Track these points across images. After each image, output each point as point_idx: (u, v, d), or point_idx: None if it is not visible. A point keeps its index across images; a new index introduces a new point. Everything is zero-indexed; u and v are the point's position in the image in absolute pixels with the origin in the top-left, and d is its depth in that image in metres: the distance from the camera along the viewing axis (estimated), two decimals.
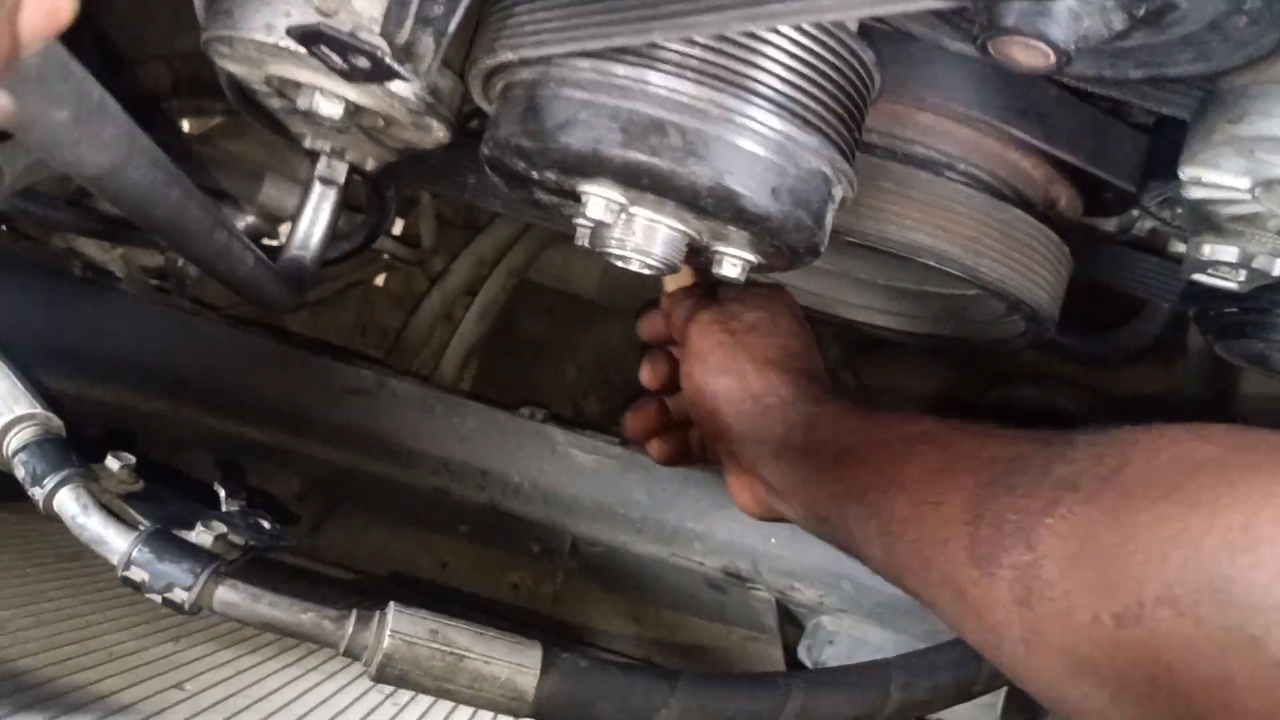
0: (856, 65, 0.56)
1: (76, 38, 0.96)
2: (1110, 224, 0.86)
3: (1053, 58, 0.47)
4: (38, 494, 0.62)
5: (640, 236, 0.58)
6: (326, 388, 0.96)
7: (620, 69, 0.53)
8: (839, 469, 0.64)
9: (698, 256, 0.62)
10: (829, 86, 0.55)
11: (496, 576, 1.06)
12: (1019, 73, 0.52)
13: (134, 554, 0.60)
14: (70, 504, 0.61)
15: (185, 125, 1.11)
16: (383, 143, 0.71)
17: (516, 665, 0.62)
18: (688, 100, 0.53)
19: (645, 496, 0.97)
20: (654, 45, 0.52)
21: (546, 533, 1.00)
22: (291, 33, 0.55)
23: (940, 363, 1.17)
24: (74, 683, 0.61)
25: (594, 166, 0.54)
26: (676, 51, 0.53)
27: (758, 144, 0.53)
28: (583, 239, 0.63)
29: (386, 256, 1.22)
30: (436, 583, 1.03)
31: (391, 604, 0.63)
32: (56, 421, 0.65)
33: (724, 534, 0.96)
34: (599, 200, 0.55)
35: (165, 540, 0.61)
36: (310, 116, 0.64)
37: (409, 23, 0.54)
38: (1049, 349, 1.02)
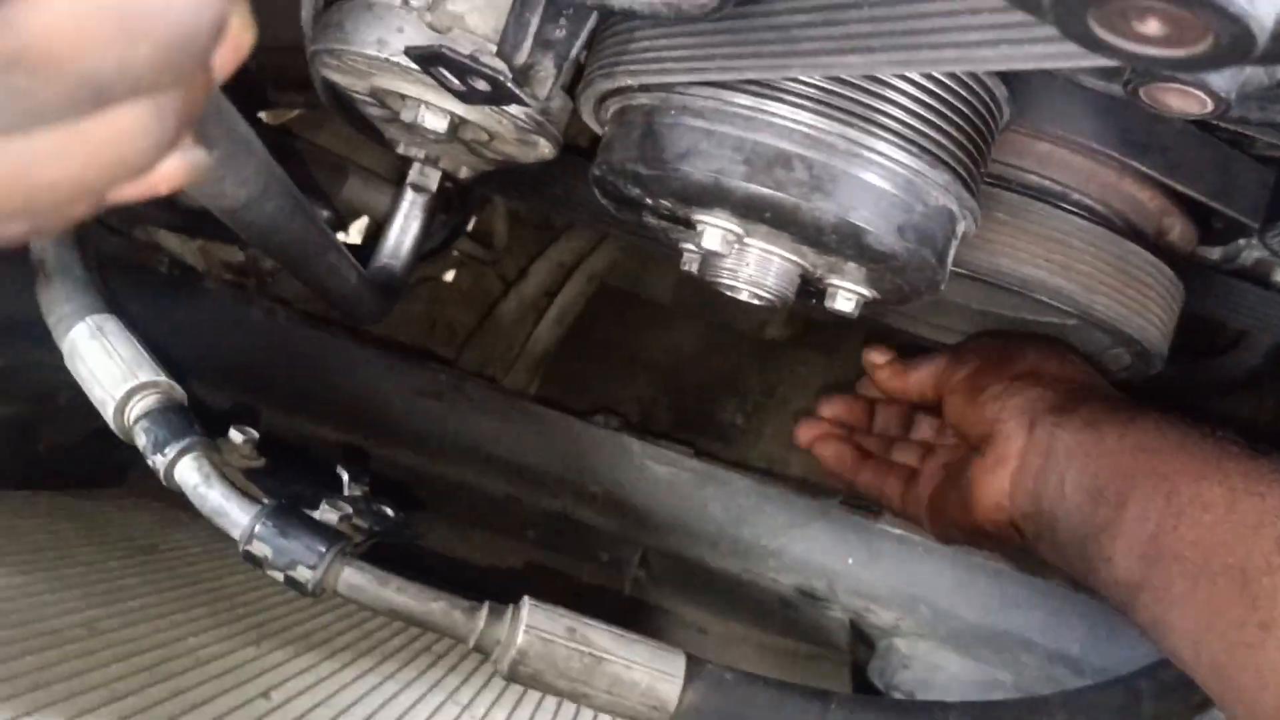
0: (988, 100, 0.54)
1: None
2: (1215, 253, 0.84)
3: (1210, 106, 0.45)
4: (159, 462, 0.60)
5: (754, 267, 0.57)
6: (401, 390, 0.96)
7: (744, 99, 0.52)
8: (1139, 451, 0.62)
9: (809, 288, 0.60)
10: (960, 121, 0.53)
11: (566, 583, 1.06)
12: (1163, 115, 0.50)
13: (257, 529, 0.58)
14: (192, 473, 0.59)
15: (264, 116, 1.11)
16: (483, 155, 0.70)
17: (659, 672, 0.58)
18: (814, 133, 0.51)
19: (721, 511, 0.96)
20: (784, 77, 0.51)
21: (617, 542, 0.99)
22: (410, 54, 0.54)
23: None
24: (169, 689, 0.60)
25: (713, 197, 0.53)
26: (804, 83, 0.51)
27: (885, 179, 0.52)
28: (690, 265, 0.62)
29: (457, 254, 1.21)
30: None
31: (526, 598, 0.60)
32: (179, 391, 0.64)
33: (800, 552, 0.95)
34: (715, 231, 0.54)
35: (290, 516, 0.59)
36: (413, 129, 0.63)
37: (527, 44, 0.53)
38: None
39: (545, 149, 0.65)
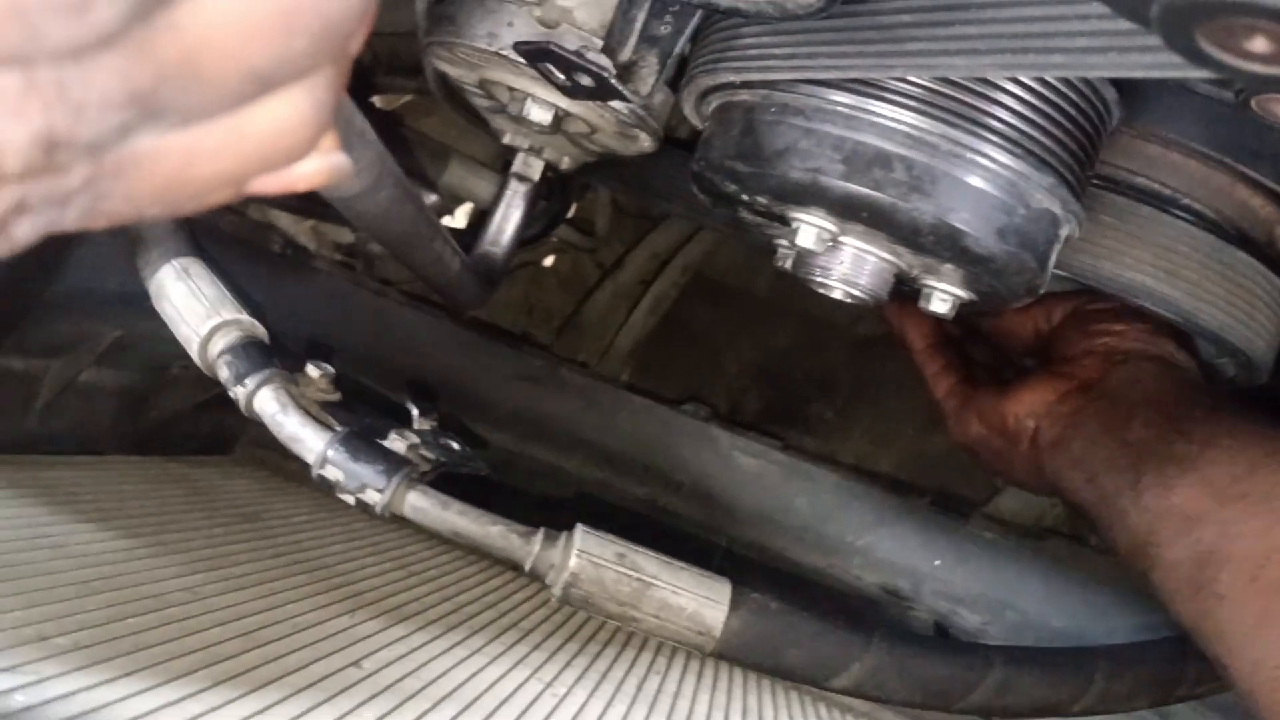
0: (1097, 103, 0.53)
1: None
2: None
3: None
4: (240, 393, 0.62)
5: (848, 266, 0.57)
6: (498, 372, 0.98)
7: (845, 97, 0.51)
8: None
9: (903, 287, 0.60)
10: (1066, 124, 0.52)
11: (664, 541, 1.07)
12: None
13: (329, 453, 0.61)
14: (270, 403, 0.62)
15: (376, 101, 1.14)
16: (584, 147, 0.71)
17: (705, 598, 0.60)
18: (915, 133, 0.51)
19: (806, 505, 0.97)
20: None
21: (703, 531, 1.00)
22: (519, 49, 0.55)
23: None
24: (264, 655, 0.63)
25: (810, 196, 0.53)
26: (906, 82, 0.51)
27: (986, 181, 0.51)
28: (784, 261, 0.62)
29: (557, 240, 1.23)
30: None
31: (579, 525, 0.62)
32: (260, 328, 0.66)
33: (886, 551, 0.95)
34: (810, 229, 0.54)
35: (360, 442, 0.62)
36: (519, 120, 0.64)
37: (632, 40, 0.54)
38: None
39: (645, 142, 0.66)
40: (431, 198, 1.05)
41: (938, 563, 0.93)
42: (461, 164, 1.00)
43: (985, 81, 0.51)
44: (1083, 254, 0.63)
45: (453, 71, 0.65)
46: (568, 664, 0.80)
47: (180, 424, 1.03)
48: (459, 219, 1.31)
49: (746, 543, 0.98)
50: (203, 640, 0.61)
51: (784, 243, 0.60)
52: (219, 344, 0.62)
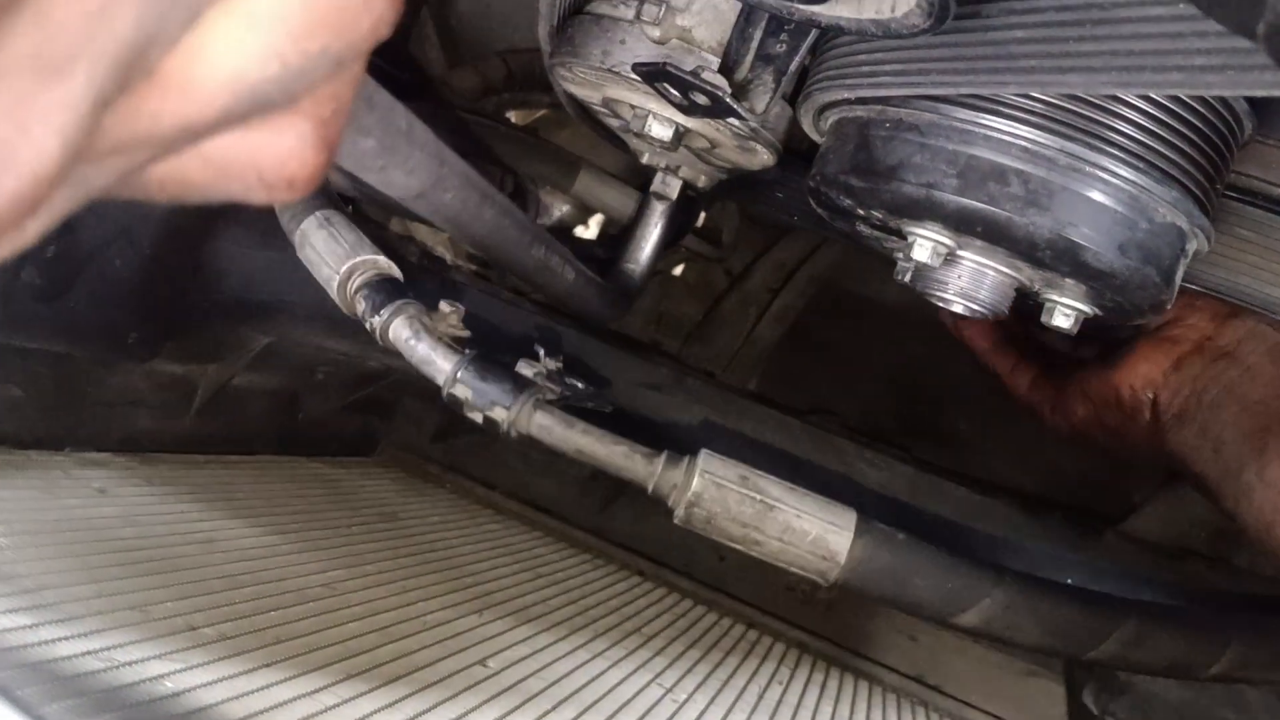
0: (1225, 114, 0.51)
1: (420, 38, 1.02)
2: None
3: None
4: (375, 323, 0.65)
5: (966, 280, 0.56)
6: (627, 381, 0.99)
7: (960, 112, 0.51)
8: None
9: (1025, 301, 0.59)
10: (1192, 136, 0.51)
11: (773, 576, 1.07)
12: None
13: (459, 373, 0.62)
14: (404, 329, 0.64)
15: (513, 116, 1.17)
16: (710, 162, 0.72)
17: (829, 524, 0.59)
18: (1032, 147, 0.50)
19: (932, 518, 0.95)
20: None
21: None
22: (637, 69, 0.56)
23: None
24: (396, 650, 0.66)
25: (925, 210, 0.53)
26: (1021, 96, 0.50)
27: (1106, 195, 0.50)
28: (903, 275, 0.62)
29: (685, 249, 1.24)
30: (720, 575, 1.06)
31: (703, 449, 0.63)
32: (395, 269, 0.69)
33: (1016, 567, 0.92)
34: (925, 243, 0.54)
35: (489, 363, 0.63)
36: (641, 136, 0.66)
37: (749, 59, 0.54)
38: None
39: (765, 156, 0.66)
40: (563, 208, 1.08)
41: (1069, 581, 0.90)
42: (591, 174, 1.02)
43: (1103, 95, 0.50)
44: (1217, 268, 0.61)
45: (578, 91, 0.67)
46: (689, 670, 0.81)
47: (326, 425, 1.09)
48: (590, 229, 1.34)
49: None
50: (339, 634, 0.64)
51: (902, 256, 0.60)
52: (357, 281, 0.65)
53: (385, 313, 0.64)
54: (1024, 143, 0.50)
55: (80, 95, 0.18)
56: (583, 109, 0.73)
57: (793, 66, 0.53)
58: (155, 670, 0.51)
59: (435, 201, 0.46)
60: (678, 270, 1.31)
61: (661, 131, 0.64)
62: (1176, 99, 0.50)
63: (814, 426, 0.99)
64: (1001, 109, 0.50)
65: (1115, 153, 0.50)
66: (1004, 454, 1.14)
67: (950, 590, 0.60)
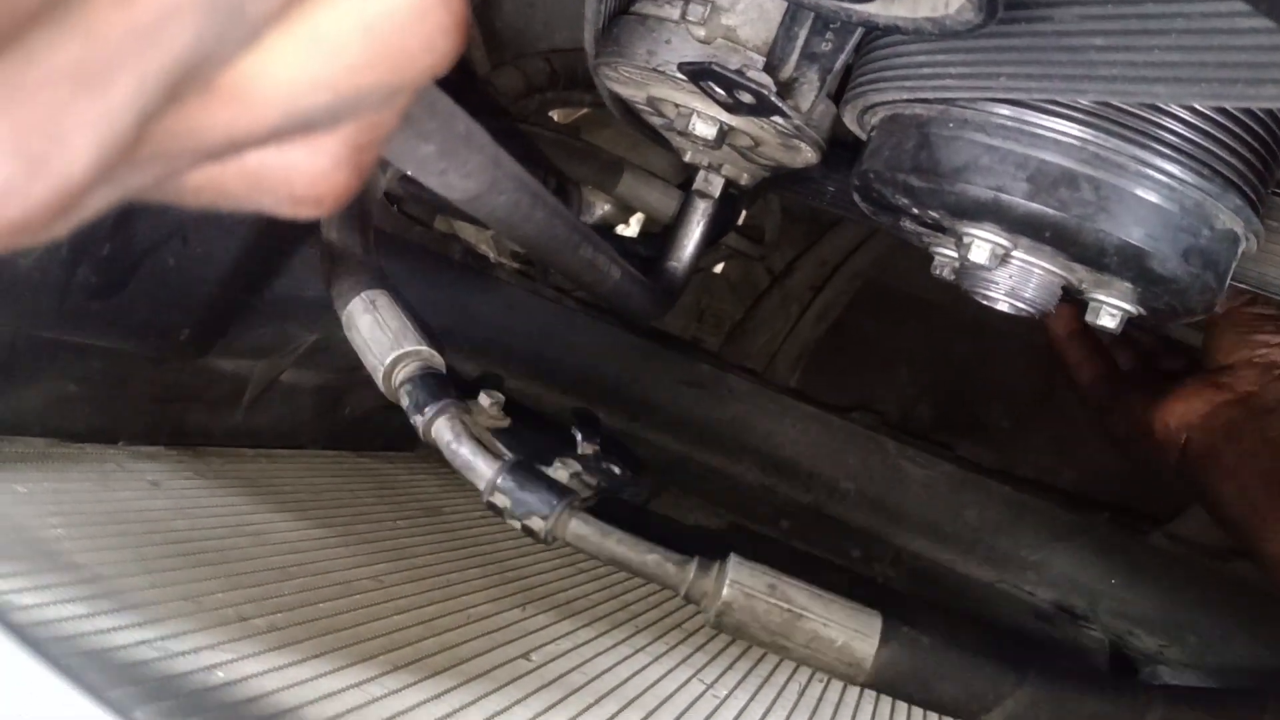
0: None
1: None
2: None
3: None
4: (419, 421, 0.66)
5: (1015, 279, 0.56)
6: (668, 378, 1.00)
7: (1029, 114, 0.51)
8: None
9: (1068, 299, 0.59)
10: (1253, 142, 0.50)
11: (812, 575, 1.07)
12: None
13: (499, 481, 0.64)
14: (446, 431, 0.65)
15: (555, 115, 1.18)
16: (756, 161, 0.72)
17: (855, 631, 0.61)
18: (1102, 152, 0.50)
19: (977, 517, 0.95)
20: None
21: (869, 540, 1.00)
22: (683, 69, 0.57)
23: None
24: (441, 643, 0.67)
25: (990, 213, 0.52)
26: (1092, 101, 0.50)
27: (1173, 202, 0.50)
28: (942, 270, 0.62)
29: (726, 247, 1.24)
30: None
31: (732, 554, 0.64)
32: (439, 358, 0.70)
33: (1061, 567, 0.92)
34: (984, 245, 0.54)
35: (527, 471, 0.65)
36: (685, 135, 0.66)
37: (794, 57, 0.55)
38: None
39: (809, 154, 0.67)
40: (605, 207, 1.08)
41: (1115, 581, 0.90)
42: (634, 175, 1.03)
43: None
44: (1264, 265, 0.61)
45: (622, 91, 0.68)
46: (730, 666, 0.81)
47: (371, 421, 1.10)
48: (632, 227, 1.34)
49: (913, 553, 0.97)
50: (386, 626, 0.65)
51: (946, 252, 0.60)
52: (400, 374, 0.67)
53: (428, 411, 0.66)
54: (1094, 148, 0.50)
55: (122, 107, 0.18)
56: (626, 108, 0.73)
57: (838, 65, 0.53)
58: (208, 660, 0.52)
59: (490, 204, 0.47)
60: (719, 268, 1.31)
61: (705, 130, 0.65)
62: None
63: (855, 423, 0.99)
64: (1071, 113, 0.50)
65: (1182, 159, 0.49)
66: (1047, 452, 1.14)
67: (974, 690, 0.61)
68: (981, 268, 0.55)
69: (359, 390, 1.06)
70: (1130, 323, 0.58)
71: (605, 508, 0.71)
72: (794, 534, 1.05)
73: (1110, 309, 0.57)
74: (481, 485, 0.64)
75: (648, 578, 0.64)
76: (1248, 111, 0.50)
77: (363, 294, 0.67)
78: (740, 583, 0.61)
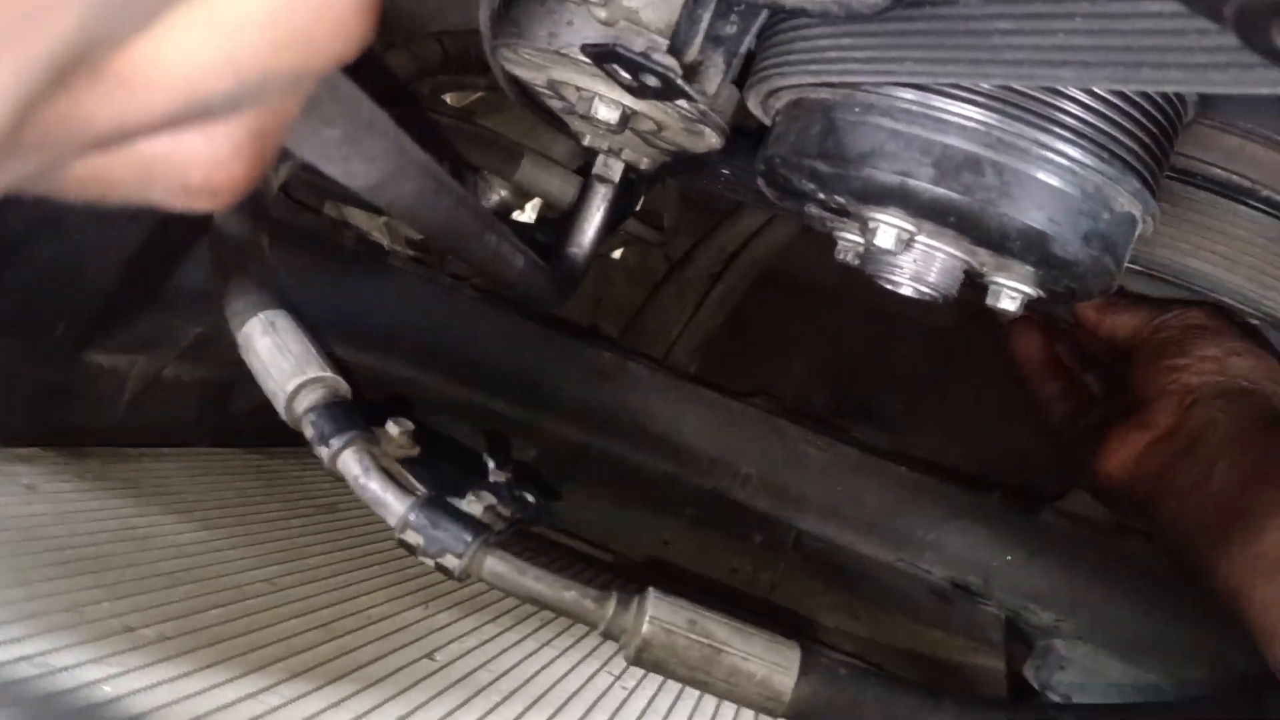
0: (1176, 100, 0.52)
1: None
2: None
3: None
4: (324, 453, 0.64)
5: (919, 264, 0.56)
6: (569, 366, 0.99)
7: (934, 99, 0.51)
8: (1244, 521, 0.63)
9: (970, 284, 0.60)
10: (1150, 126, 0.51)
11: (716, 560, 1.08)
12: None
13: (410, 518, 0.62)
14: (354, 465, 0.63)
15: (449, 98, 1.15)
16: (658, 145, 0.71)
17: (774, 664, 0.61)
18: (1006, 137, 0.50)
19: (875, 499, 0.96)
20: None
21: (771, 525, 1.00)
22: (586, 51, 0.55)
23: None
24: (339, 647, 0.64)
25: (895, 198, 0.52)
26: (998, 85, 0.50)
27: (1074, 186, 0.50)
28: (846, 255, 0.62)
29: (625, 233, 1.23)
30: (662, 561, 1.05)
31: (650, 590, 0.64)
32: (345, 385, 0.67)
33: (957, 546, 0.94)
34: (890, 230, 0.54)
35: (439, 507, 0.63)
36: (588, 120, 0.65)
37: (698, 40, 0.54)
38: None
39: (713, 139, 0.66)
40: (502, 193, 1.06)
41: (1009, 558, 0.92)
42: (533, 160, 1.01)
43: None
44: (1159, 247, 0.62)
45: (521, 73, 0.66)
46: None
47: (261, 415, 1.06)
48: (528, 213, 1.32)
49: (815, 535, 0.98)
50: (281, 632, 0.63)
51: (850, 237, 0.60)
52: (304, 402, 0.64)
53: (334, 444, 0.63)
54: (998, 132, 0.50)
55: (2, 94, 0.17)
56: (524, 91, 0.72)
57: (743, 48, 0.53)
58: (93, 675, 0.49)
59: (394, 191, 0.45)
60: (618, 254, 1.30)
61: (608, 114, 0.63)
62: (1138, 91, 0.51)
63: (755, 409, 0.99)
64: (975, 97, 0.50)
65: (1083, 143, 0.50)
66: (941, 432, 1.16)
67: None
68: (887, 252, 0.55)
69: (248, 384, 1.02)
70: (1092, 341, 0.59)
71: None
72: (697, 520, 1.05)
73: (1010, 292, 0.57)
74: (393, 522, 0.63)
75: (566, 614, 0.63)
76: (1145, 95, 0.50)
77: (260, 314, 0.64)
78: (659, 619, 0.61)
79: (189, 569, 0.66)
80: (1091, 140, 0.50)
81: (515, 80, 0.69)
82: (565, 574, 0.63)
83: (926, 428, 1.18)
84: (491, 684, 0.68)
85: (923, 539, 0.95)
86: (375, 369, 0.93)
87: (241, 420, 1.03)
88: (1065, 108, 0.50)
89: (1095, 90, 0.50)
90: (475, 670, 0.69)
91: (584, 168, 0.88)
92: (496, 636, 0.76)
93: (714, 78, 0.53)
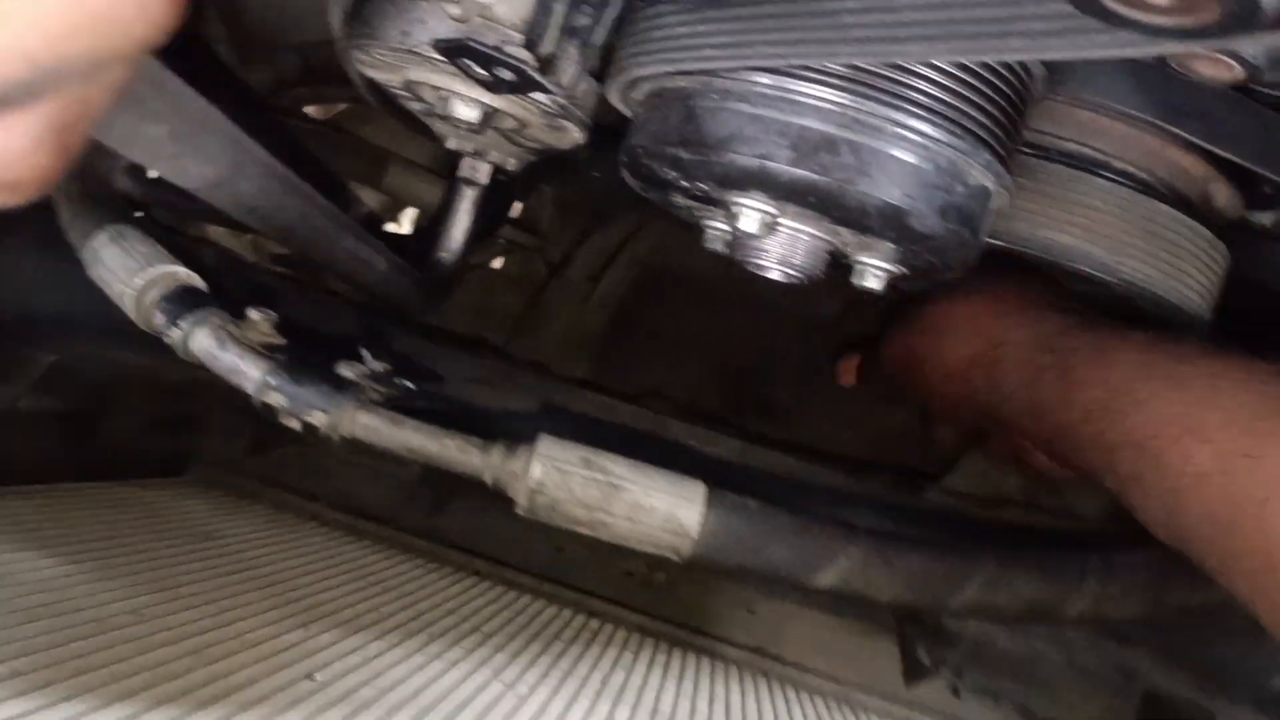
0: (1023, 73, 0.53)
1: (208, 34, 0.97)
2: (1266, 218, 0.82)
3: (1240, 73, 0.44)
4: (175, 336, 0.60)
5: (785, 247, 0.56)
6: (453, 377, 0.97)
7: (790, 83, 0.51)
8: (1108, 415, 0.58)
9: (837, 264, 0.60)
10: (997, 98, 0.52)
11: (610, 563, 1.07)
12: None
13: (270, 379, 0.58)
14: (207, 339, 0.59)
15: (312, 111, 1.13)
16: (522, 144, 0.70)
17: (679, 497, 0.58)
18: (858, 116, 0.50)
19: (762, 489, 0.95)
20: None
21: None
22: (438, 46, 0.54)
23: None
24: (211, 673, 0.62)
25: (756, 181, 0.52)
26: (847, 66, 0.51)
27: (927, 161, 0.51)
28: (714, 243, 0.62)
29: (504, 241, 1.22)
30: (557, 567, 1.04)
31: (541, 434, 0.60)
32: (197, 279, 0.64)
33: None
34: (753, 214, 0.54)
35: (304, 366, 0.59)
36: (449, 120, 0.63)
37: (553, 32, 0.53)
38: None
39: (576, 134, 0.65)
40: (373, 203, 1.04)
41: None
42: (400, 167, 0.99)
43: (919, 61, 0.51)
44: (1020, 222, 0.64)
45: (377, 75, 0.64)
46: (531, 664, 0.80)
47: (130, 447, 1.02)
48: (404, 225, 1.30)
49: None
50: (147, 661, 0.60)
51: (717, 225, 0.60)
52: (153, 295, 0.60)
53: (185, 324, 0.59)
54: (852, 112, 0.50)
55: None
56: (384, 96, 0.70)
57: (600, 38, 0.52)
58: None
59: (235, 191, 0.43)
60: (498, 263, 1.29)
61: (467, 113, 0.62)
62: (986, 65, 0.52)
63: (645, 409, 0.99)
64: (828, 79, 0.50)
65: (934, 119, 0.51)
66: (829, 421, 1.17)
67: (805, 552, 0.59)
68: (752, 236, 0.55)
69: (113, 414, 0.98)
70: None
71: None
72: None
73: (875, 270, 0.58)
74: (251, 387, 0.58)
75: (449, 467, 0.59)
76: (992, 70, 0.51)
77: (108, 228, 0.60)
78: (551, 457, 0.57)
79: (46, 604, 0.63)
80: (942, 116, 0.51)
81: (373, 83, 0.67)
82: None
83: (816, 416, 1.19)
84: (376, 700, 0.66)
85: None
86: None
87: (112, 452, 0.99)
88: (916, 85, 0.51)
89: (943, 66, 0.51)
90: (359, 687, 0.67)
91: (445, 199, 0.86)
92: (383, 653, 0.74)
93: (570, 69, 0.53)
